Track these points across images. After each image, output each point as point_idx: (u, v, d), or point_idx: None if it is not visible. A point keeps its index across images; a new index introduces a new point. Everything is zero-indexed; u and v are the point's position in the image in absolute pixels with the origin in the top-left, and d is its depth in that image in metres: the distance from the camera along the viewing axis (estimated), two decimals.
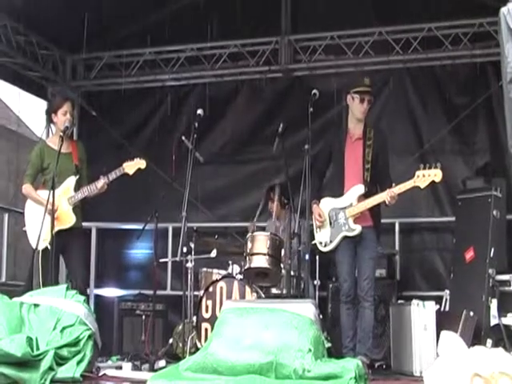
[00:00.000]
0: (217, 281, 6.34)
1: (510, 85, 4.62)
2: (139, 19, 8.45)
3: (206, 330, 6.15)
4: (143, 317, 7.17)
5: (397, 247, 7.81)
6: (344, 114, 6.00)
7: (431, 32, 7.93)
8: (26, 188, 6.04)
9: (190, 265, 6.53)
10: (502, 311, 6.18)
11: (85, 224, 6.49)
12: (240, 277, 6.29)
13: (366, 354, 5.63)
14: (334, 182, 5.91)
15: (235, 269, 6.56)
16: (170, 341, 6.83)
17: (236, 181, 8.72)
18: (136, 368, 5.64)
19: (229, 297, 6.19)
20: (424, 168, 5.39)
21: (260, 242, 6.30)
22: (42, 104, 9.11)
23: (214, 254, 6.73)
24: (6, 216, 8.48)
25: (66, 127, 5.93)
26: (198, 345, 6.08)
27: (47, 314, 4.95)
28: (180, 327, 6.61)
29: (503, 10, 4.66)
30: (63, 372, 4.60)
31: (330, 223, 5.77)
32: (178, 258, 6.19)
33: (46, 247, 5.68)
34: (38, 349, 4.59)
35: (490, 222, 6.53)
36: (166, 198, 6.17)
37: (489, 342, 5.88)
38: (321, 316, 5.63)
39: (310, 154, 5.58)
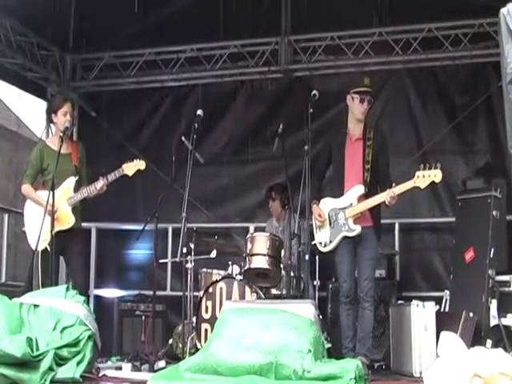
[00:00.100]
0: (217, 281, 6.34)
1: (510, 85, 4.61)
2: (139, 20, 8.45)
3: (206, 330, 6.15)
4: (143, 317, 7.17)
5: (397, 247, 7.81)
6: (344, 114, 5.99)
7: (431, 32, 7.93)
8: (26, 188, 6.05)
9: (189, 265, 6.52)
10: (501, 312, 6.17)
11: (84, 224, 6.49)
12: (240, 277, 6.29)
13: (365, 354, 5.63)
14: (333, 183, 5.91)
15: (235, 269, 6.56)
16: (170, 341, 6.84)
17: (236, 181, 8.72)
18: (136, 368, 5.64)
19: (229, 297, 6.19)
20: (424, 168, 5.39)
21: (260, 243, 6.31)
22: (42, 104, 9.12)
23: (213, 254, 6.73)
24: (6, 216, 8.48)
25: (66, 127, 5.93)
26: (198, 345, 6.08)
27: (47, 315, 4.95)
28: (180, 328, 6.62)
29: (503, 10, 4.66)
30: (63, 372, 4.60)
31: (330, 223, 5.77)
32: (177, 259, 6.19)
33: (46, 248, 5.69)
34: (37, 349, 4.59)
35: (490, 222, 6.53)
36: (166, 198, 6.15)
37: (488, 342, 5.87)
38: (321, 316, 5.64)
39: (309, 154, 5.59)
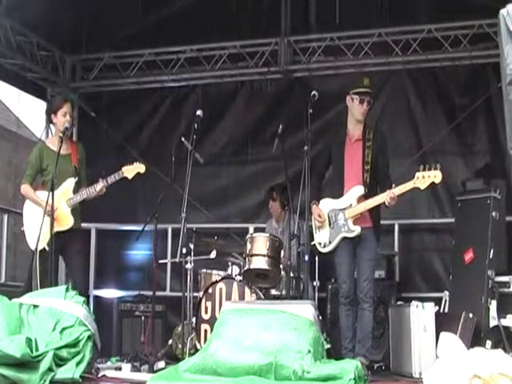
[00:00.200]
0: (216, 282, 6.34)
1: (510, 86, 4.61)
2: (139, 20, 8.45)
3: (206, 331, 6.14)
4: (142, 318, 7.18)
5: (396, 248, 7.81)
6: (344, 115, 5.99)
7: (431, 33, 7.93)
8: (25, 188, 6.05)
9: (189, 266, 6.52)
10: (501, 312, 6.17)
11: (84, 225, 6.50)
12: (239, 278, 6.29)
13: (365, 355, 5.63)
14: (333, 183, 5.91)
15: (235, 270, 6.56)
16: (170, 342, 6.84)
17: (235, 182, 8.73)
18: (135, 369, 5.65)
19: (228, 298, 6.19)
20: (424, 169, 5.38)
21: (259, 243, 6.30)
22: (42, 105, 9.14)
23: (213, 255, 6.73)
24: (6, 217, 8.48)
25: (66, 128, 5.94)
26: (198, 346, 6.08)
27: (47, 315, 4.95)
28: (179, 328, 6.62)
29: (503, 11, 4.66)
30: (62, 373, 4.60)
31: (330, 224, 5.77)
32: (177, 259, 6.19)
33: (44, 248, 5.69)
34: (37, 350, 4.59)
35: (490, 223, 6.53)
36: (166, 198, 6.15)
37: (488, 343, 5.87)
38: (320, 317, 5.64)
39: (309, 154, 5.59)
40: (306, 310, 4.75)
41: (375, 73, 8.05)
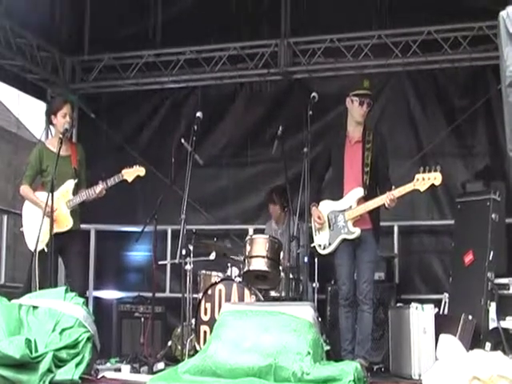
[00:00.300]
0: (216, 283, 6.33)
1: (509, 88, 4.62)
2: (139, 21, 8.46)
3: (205, 332, 6.14)
4: (142, 319, 7.18)
5: (396, 250, 7.80)
6: (343, 116, 6.00)
7: (430, 35, 7.93)
8: (24, 189, 6.05)
9: (188, 267, 6.52)
10: (500, 314, 6.18)
11: (84, 226, 6.50)
12: (239, 279, 6.29)
13: (364, 356, 5.63)
14: (333, 185, 5.90)
15: (234, 271, 6.56)
16: (169, 343, 6.83)
17: (235, 183, 8.72)
18: (135, 370, 5.65)
19: (228, 299, 6.19)
20: (424, 171, 5.38)
21: (259, 245, 6.29)
22: (42, 106, 9.14)
23: (212, 256, 6.73)
24: (5, 218, 8.47)
25: (66, 129, 5.93)
26: (197, 347, 6.07)
27: (46, 316, 4.94)
28: (179, 330, 6.60)
29: (502, 13, 4.66)
30: (62, 374, 4.59)
31: (329, 226, 5.77)
32: (177, 261, 6.18)
33: (43, 249, 5.68)
34: (36, 351, 4.59)
35: (489, 225, 6.53)
36: (165, 200, 6.15)
37: (487, 345, 5.87)
38: (320, 319, 5.62)
39: (309, 156, 5.60)
40: (305, 312, 4.75)
41: (375, 74, 8.05)
